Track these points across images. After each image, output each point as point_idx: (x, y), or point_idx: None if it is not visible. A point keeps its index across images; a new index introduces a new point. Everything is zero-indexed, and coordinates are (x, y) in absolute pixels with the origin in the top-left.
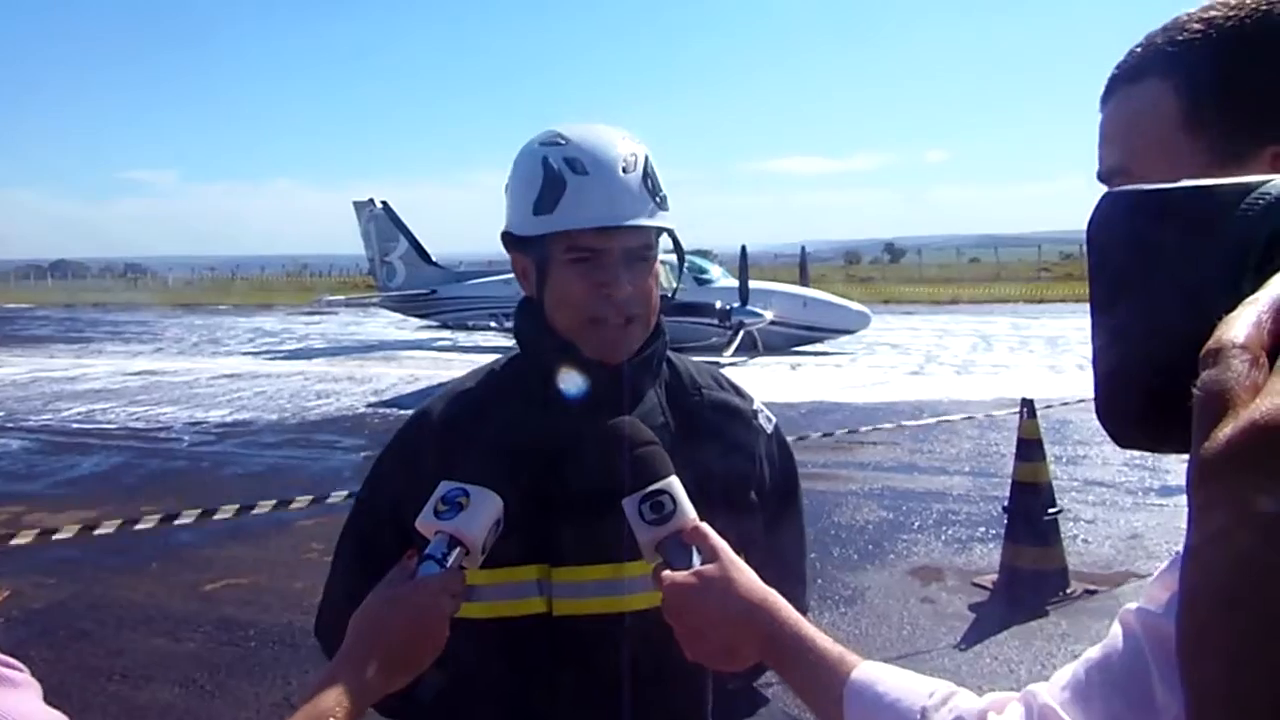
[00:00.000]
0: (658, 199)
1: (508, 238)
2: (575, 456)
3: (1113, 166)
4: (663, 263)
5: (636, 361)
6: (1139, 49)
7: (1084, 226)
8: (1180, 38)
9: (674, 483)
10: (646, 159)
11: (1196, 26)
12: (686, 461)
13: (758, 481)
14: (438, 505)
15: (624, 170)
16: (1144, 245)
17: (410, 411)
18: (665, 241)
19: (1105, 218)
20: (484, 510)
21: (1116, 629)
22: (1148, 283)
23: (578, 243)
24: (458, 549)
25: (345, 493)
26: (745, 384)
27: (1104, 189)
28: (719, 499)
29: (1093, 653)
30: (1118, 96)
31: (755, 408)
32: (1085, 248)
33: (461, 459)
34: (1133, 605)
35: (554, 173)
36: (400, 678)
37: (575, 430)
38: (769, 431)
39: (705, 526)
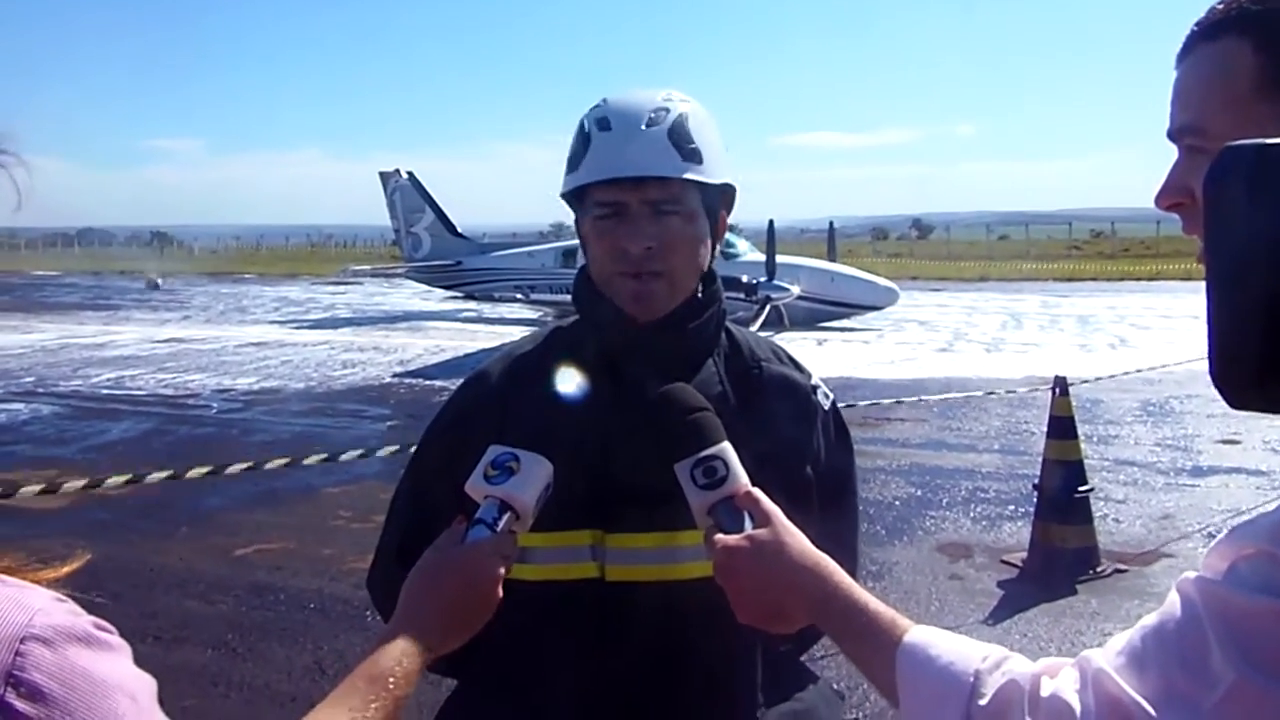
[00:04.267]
0: (685, 151)
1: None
2: (629, 423)
3: (1184, 124)
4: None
5: (691, 328)
6: (1220, 5)
7: (1115, 204)
8: None
9: (726, 448)
10: (683, 114)
11: None
12: (744, 433)
13: (814, 456)
14: (487, 469)
15: (647, 124)
16: (1270, 197)
17: (435, 382)
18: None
19: (1226, 170)
20: (534, 475)
21: (1174, 597)
22: (1270, 235)
23: (599, 199)
24: (508, 513)
25: (361, 447)
26: None
27: (1172, 147)
28: (775, 472)
29: (1149, 620)
30: (1194, 54)
31: (814, 383)
32: (1203, 200)
33: (514, 422)
34: (1191, 574)
35: (584, 132)
36: (454, 639)
37: (628, 396)
38: (826, 407)
39: (757, 492)
